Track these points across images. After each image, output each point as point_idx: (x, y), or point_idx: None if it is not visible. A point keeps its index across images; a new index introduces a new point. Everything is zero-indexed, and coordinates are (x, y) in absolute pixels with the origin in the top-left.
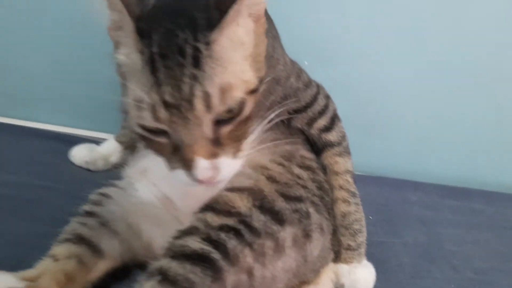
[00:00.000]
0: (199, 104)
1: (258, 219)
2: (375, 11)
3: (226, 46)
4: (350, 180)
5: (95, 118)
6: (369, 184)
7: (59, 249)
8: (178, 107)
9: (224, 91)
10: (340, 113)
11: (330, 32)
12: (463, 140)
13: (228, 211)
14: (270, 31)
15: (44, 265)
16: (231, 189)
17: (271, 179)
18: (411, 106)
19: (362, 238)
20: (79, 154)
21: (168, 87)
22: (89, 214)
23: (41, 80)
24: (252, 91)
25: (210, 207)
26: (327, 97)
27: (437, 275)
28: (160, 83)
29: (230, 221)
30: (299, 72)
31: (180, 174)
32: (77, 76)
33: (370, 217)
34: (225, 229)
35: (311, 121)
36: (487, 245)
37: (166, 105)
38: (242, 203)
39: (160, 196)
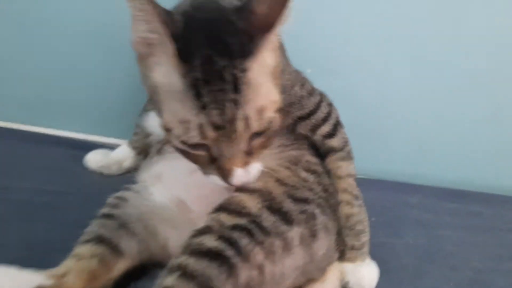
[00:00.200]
0: (240, 125)
1: (268, 219)
2: (376, 21)
3: (258, 72)
4: (353, 183)
5: (108, 125)
6: (371, 187)
7: (82, 249)
8: (223, 128)
9: (259, 112)
10: (342, 120)
11: (332, 42)
12: (461, 144)
13: (240, 212)
14: None
15: (68, 264)
16: (243, 191)
17: (279, 181)
18: (410, 113)
19: (365, 238)
20: (94, 159)
21: (214, 111)
22: (108, 216)
23: (57, 89)
24: (279, 110)
25: (223, 208)
26: (330, 105)
27: (437, 275)
28: (206, 106)
29: (242, 221)
30: (303, 80)
31: (214, 179)
32: (91, 85)
33: (373, 219)
34: (237, 229)
35: (314, 128)
36: (485, 246)
37: (213, 126)
38: (252, 204)
39: (174, 199)
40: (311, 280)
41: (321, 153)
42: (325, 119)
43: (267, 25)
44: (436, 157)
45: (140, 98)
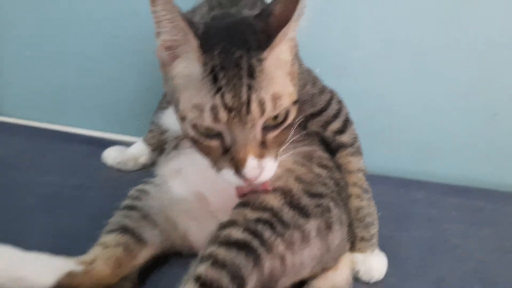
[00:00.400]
0: (255, 108)
1: (288, 214)
2: (383, 24)
3: (273, 64)
4: (363, 177)
5: (123, 123)
6: (378, 183)
7: (108, 238)
8: (237, 110)
9: (274, 99)
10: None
11: (340, 43)
12: (464, 143)
13: (263, 207)
14: None
15: (96, 252)
16: (245, 198)
17: (298, 179)
18: (416, 113)
19: (374, 230)
20: (111, 156)
21: (228, 93)
22: (131, 207)
23: (75, 90)
24: (294, 103)
25: (247, 203)
26: (340, 102)
27: (443, 266)
28: (221, 90)
29: (265, 215)
30: (314, 79)
31: (227, 173)
32: (107, 86)
33: (380, 213)
34: (261, 222)
35: (326, 124)
36: (488, 239)
37: (226, 108)
38: (275, 201)
39: (193, 192)
40: (326, 269)
41: (332, 148)
42: (335, 116)
43: (283, 22)
44: (441, 155)
45: (153, 97)
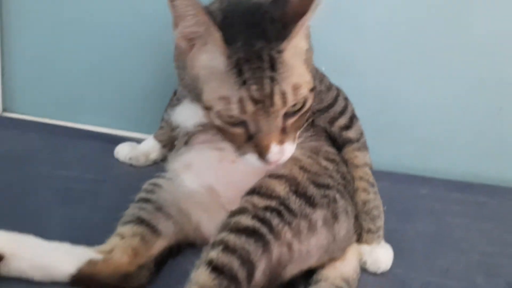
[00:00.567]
0: (278, 100)
1: (295, 202)
2: (388, 23)
3: (292, 54)
4: (369, 172)
5: (134, 121)
6: (383, 179)
7: (124, 229)
8: (262, 102)
9: (294, 89)
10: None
11: (345, 42)
12: (468, 140)
13: (270, 195)
14: None
15: (113, 242)
16: (271, 176)
17: (303, 169)
18: (420, 110)
19: (380, 222)
20: (123, 152)
21: (253, 86)
22: (145, 200)
23: (87, 89)
24: (311, 90)
25: (255, 191)
26: (346, 99)
27: (447, 257)
28: (246, 82)
29: (273, 203)
30: (321, 76)
31: (250, 158)
32: (119, 85)
33: (385, 207)
34: (269, 210)
35: (332, 120)
36: (491, 233)
37: (253, 100)
38: (280, 188)
39: (204, 185)
40: (333, 259)
41: (339, 144)
42: (342, 112)
43: (300, 12)
44: (445, 152)
45: (163, 96)
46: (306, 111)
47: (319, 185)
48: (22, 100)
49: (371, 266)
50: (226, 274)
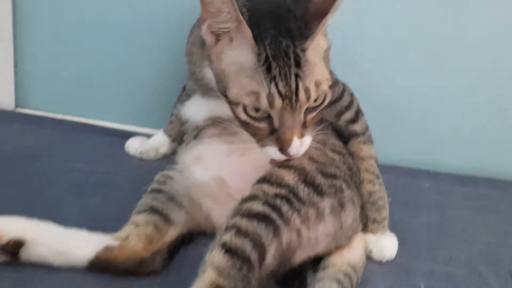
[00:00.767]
0: (302, 96)
1: (303, 191)
2: (391, 20)
3: (314, 52)
4: (374, 164)
5: (143, 116)
6: (388, 173)
7: (139, 218)
8: (289, 98)
9: (316, 85)
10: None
11: (349, 39)
12: (470, 135)
13: (280, 183)
14: None
15: (128, 230)
16: (281, 166)
17: (311, 159)
18: (424, 106)
19: (385, 213)
20: (133, 146)
21: (281, 82)
22: (157, 191)
23: (98, 86)
24: (330, 86)
25: (266, 180)
26: (352, 94)
27: (450, 247)
28: (275, 79)
29: (282, 191)
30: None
31: (271, 150)
32: (128, 82)
33: (389, 199)
34: (279, 197)
35: (339, 114)
36: (493, 225)
37: (281, 96)
38: (290, 178)
39: (214, 177)
40: (340, 247)
41: (345, 137)
42: (348, 107)
43: (322, 11)
44: (448, 147)
45: (172, 91)
46: (325, 107)
47: (326, 175)
48: (35, 96)
49: (377, 255)
50: (239, 256)
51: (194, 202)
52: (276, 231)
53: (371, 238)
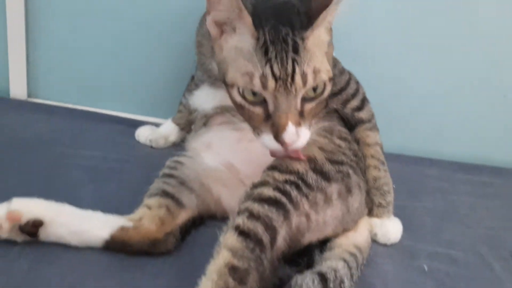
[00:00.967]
0: (298, 79)
1: (312, 177)
2: (396, 11)
3: (314, 43)
4: (379, 150)
5: (151, 106)
6: (393, 161)
7: (151, 201)
8: (283, 80)
9: (315, 72)
10: None
11: (354, 29)
12: (474, 124)
13: (289, 170)
14: None
15: (142, 212)
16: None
17: (321, 148)
18: (428, 96)
19: (390, 197)
20: (143, 134)
21: (276, 64)
22: (169, 175)
23: (108, 75)
24: (330, 79)
25: (276, 167)
26: (357, 83)
27: (454, 231)
28: (271, 61)
29: (291, 177)
30: (334, 61)
31: (266, 137)
32: (137, 71)
33: (394, 186)
34: (288, 183)
35: (345, 102)
36: (495, 210)
37: (274, 77)
38: (299, 165)
39: (224, 162)
40: (347, 230)
41: (351, 124)
42: (354, 95)
43: (323, 6)
44: (452, 136)
45: (179, 83)
46: (324, 100)
47: (333, 162)
48: (46, 87)
49: (382, 238)
50: (252, 238)
51: (204, 187)
52: (286, 214)
53: (376, 222)
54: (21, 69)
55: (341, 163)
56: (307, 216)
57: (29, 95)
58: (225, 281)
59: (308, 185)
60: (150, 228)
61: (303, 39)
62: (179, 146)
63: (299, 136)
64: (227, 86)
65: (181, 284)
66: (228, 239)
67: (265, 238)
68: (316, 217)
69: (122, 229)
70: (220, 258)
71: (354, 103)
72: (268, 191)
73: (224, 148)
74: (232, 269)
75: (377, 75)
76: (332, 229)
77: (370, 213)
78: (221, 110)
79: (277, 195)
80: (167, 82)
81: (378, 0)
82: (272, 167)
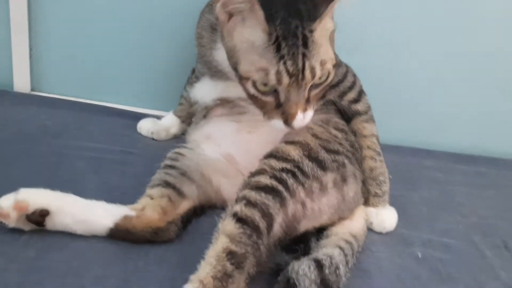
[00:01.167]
0: (308, 74)
1: (308, 165)
2: (394, 4)
3: (321, 34)
4: (376, 141)
5: (152, 99)
6: (390, 152)
7: (153, 191)
8: (295, 76)
9: (322, 64)
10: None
11: (353, 21)
12: (471, 116)
13: (285, 158)
14: None
15: (144, 202)
16: (286, 142)
17: (315, 136)
18: (425, 88)
19: (386, 187)
20: (145, 126)
21: (289, 61)
22: (170, 167)
23: (110, 69)
24: (334, 66)
25: (273, 155)
26: (354, 75)
27: (448, 219)
28: (284, 58)
29: (288, 165)
30: None
31: (276, 122)
32: (139, 65)
33: (391, 176)
34: (285, 171)
35: (342, 94)
36: (490, 199)
37: (288, 73)
38: (295, 153)
39: (223, 153)
40: (342, 218)
41: (348, 116)
42: (351, 87)
43: None
44: (448, 127)
45: (180, 77)
46: (328, 85)
47: (329, 151)
48: (49, 80)
49: (377, 227)
50: (249, 225)
51: (204, 177)
52: (282, 202)
53: (372, 211)
54: (24, 62)
55: (336, 152)
56: (303, 204)
57: (32, 89)
58: (223, 265)
59: (304, 173)
60: (153, 217)
61: (311, 32)
62: (180, 138)
63: (305, 119)
64: (241, 77)
65: (183, 270)
66: (227, 225)
67: (262, 224)
68: (312, 205)
69: (126, 218)
70: (219, 244)
71: (351, 95)
72: (265, 180)
73: (223, 139)
74: (230, 254)
75: (374, 67)
76: (328, 217)
77: (366, 202)
78: (221, 102)
79: (273, 183)
80: (168, 75)
81: None
82: (269, 156)
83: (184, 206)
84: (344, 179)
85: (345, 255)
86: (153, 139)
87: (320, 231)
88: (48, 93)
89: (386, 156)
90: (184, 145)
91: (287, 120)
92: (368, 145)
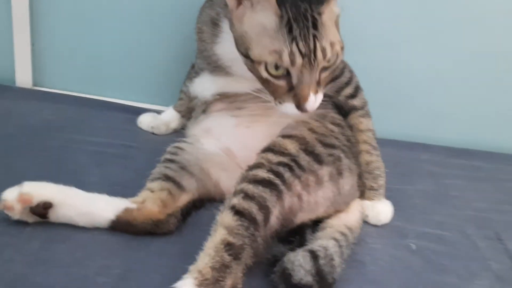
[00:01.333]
0: (319, 55)
1: (304, 159)
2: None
3: (328, 17)
4: (372, 136)
5: (153, 94)
6: (387, 146)
7: (153, 185)
8: (308, 56)
9: (331, 46)
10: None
11: (352, 18)
12: (467, 110)
13: (282, 152)
14: None
15: (144, 195)
16: (283, 136)
17: (311, 130)
18: (422, 83)
19: (382, 181)
20: (145, 121)
21: (301, 42)
22: (170, 161)
23: (111, 64)
24: (342, 48)
25: (270, 149)
26: (351, 71)
27: (442, 212)
28: (296, 39)
29: (285, 159)
30: None
31: (288, 106)
32: (139, 60)
33: (387, 170)
34: (281, 164)
35: (339, 90)
36: (485, 192)
37: (301, 54)
38: (291, 147)
39: (222, 148)
40: (338, 211)
41: (344, 111)
42: (348, 83)
43: None
44: (445, 122)
45: (179, 72)
46: (336, 67)
47: (325, 145)
48: (51, 75)
49: (373, 219)
50: (246, 217)
51: (204, 171)
52: (279, 195)
53: (367, 204)
54: (26, 58)
55: (333, 146)
56: (299, 197)
57: (34, 84)
58: (221, 256)
59: (301, 167)
60: (153, 210)
61: (320, 14)
62: (179, 132)
63: (316, 101)
64: (253, 62)
65: (183, 262)
66: (225, 218)
67: (259, 217)
68: (308, 197)
69: (127, 210)
70: (217, 236)
71: (348, 90)
72: (262, 173)
73: (222, 134)
74: (228, 246)
75: (371, 61)
76: (324, 210)
77: (363, 195)
78: (220, 97)
79: (270, 177)
80: (168, 71)
81: None
82: (267, 149)
83: (184, 199)
84: (340, 173)
85: (340, 247)
86: (153, 133)
87: (316, 223)
88: (50, 88)
89: (384, 150)
90: (183, 140)
91: (299, 102)
92: (364, 140)
